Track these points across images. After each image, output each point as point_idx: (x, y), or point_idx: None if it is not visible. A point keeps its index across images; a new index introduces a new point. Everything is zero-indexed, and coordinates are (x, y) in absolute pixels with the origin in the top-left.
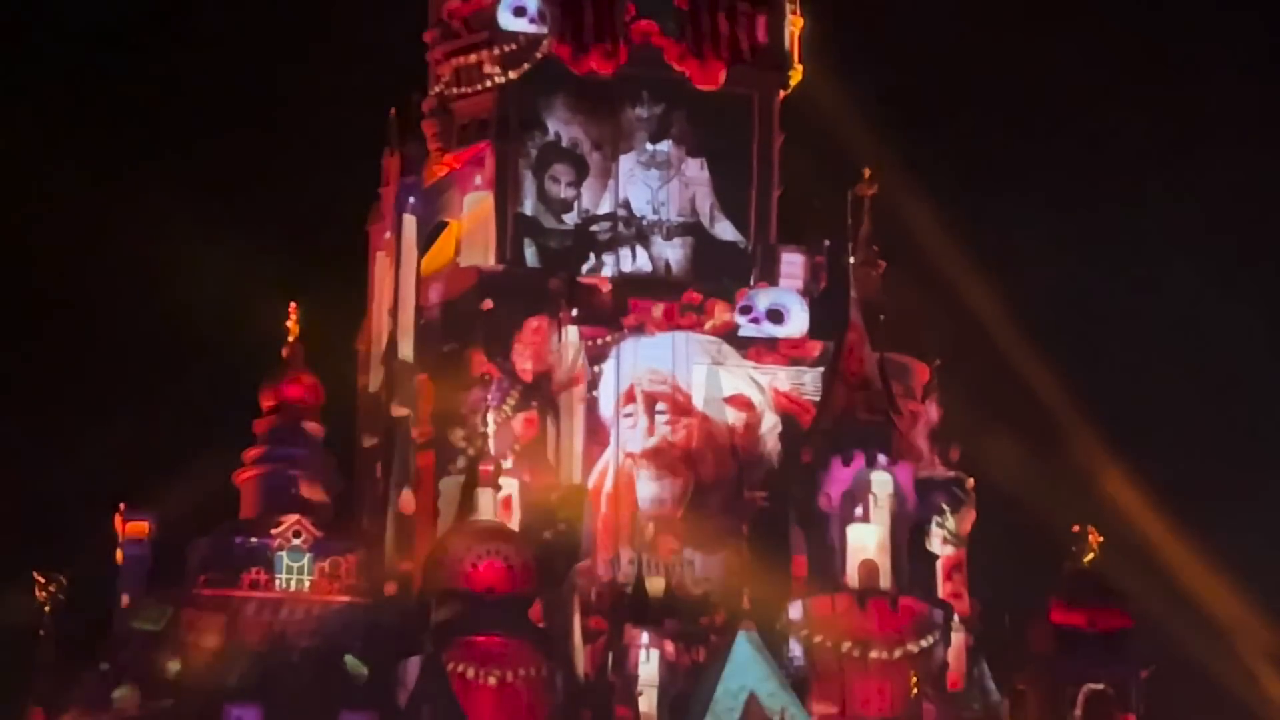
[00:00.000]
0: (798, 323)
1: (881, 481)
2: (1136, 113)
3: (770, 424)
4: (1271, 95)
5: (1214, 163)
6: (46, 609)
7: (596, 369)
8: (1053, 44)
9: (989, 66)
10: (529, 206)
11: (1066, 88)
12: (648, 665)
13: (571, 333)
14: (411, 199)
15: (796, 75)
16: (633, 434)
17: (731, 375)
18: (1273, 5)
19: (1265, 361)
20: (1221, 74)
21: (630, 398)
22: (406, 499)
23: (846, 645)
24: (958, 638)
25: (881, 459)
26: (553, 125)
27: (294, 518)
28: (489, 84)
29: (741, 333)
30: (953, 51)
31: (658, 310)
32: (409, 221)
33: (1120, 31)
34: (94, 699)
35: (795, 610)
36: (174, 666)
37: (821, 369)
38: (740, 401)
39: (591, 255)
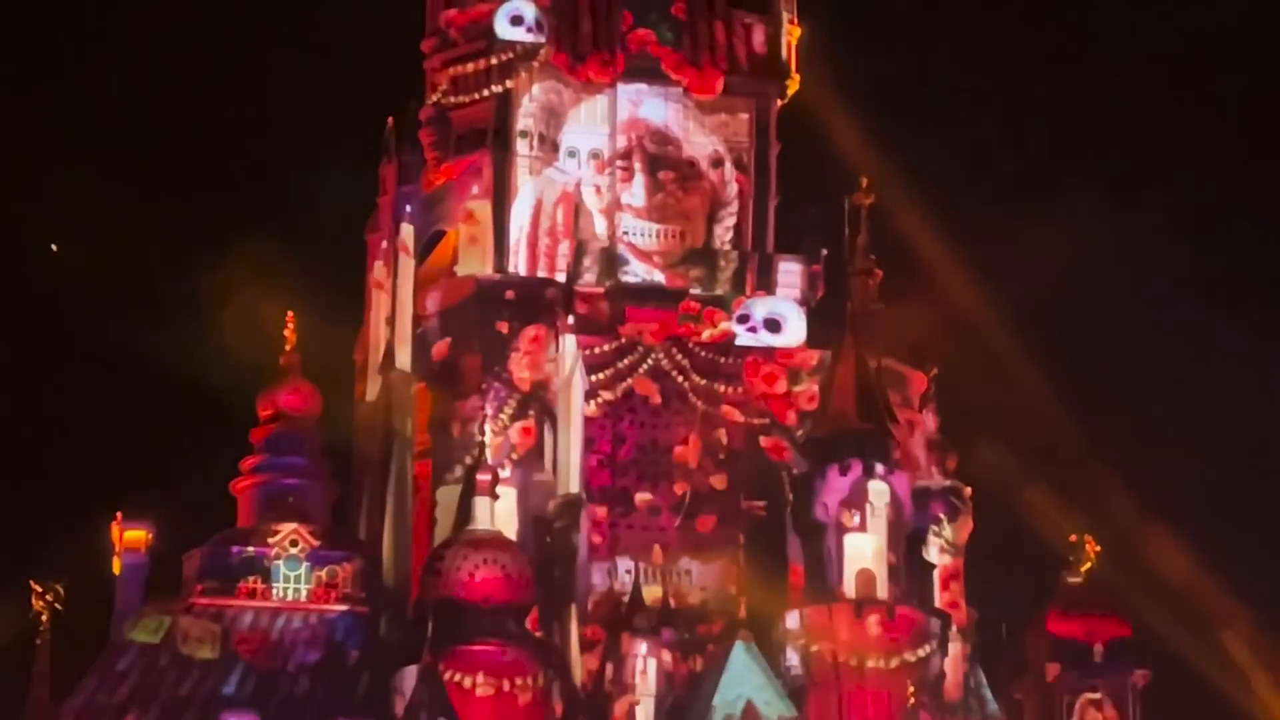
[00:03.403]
0: (795, 332)
1: (879, 491)
2: (1133, 117)
3: None
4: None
5: (1208, 162)
6: (43, 618)
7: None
8: (1050, 50)
9: (986, 75)
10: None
11: (1063, 95)
12: (645, 675)
13: (569, 342)
14: (409, 208)
15: (794, 84)
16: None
17: None
18: None
19: (1261, 366)
20: (1211, 81)
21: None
22: None
23: (844, 654)
24: (955, 647)
25: (879, 468)
26: (550, 134)
27: (291, 527)
28: (486, 93)
29: (739, 342)
30: (949, 60)
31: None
32: (406, 230)
33: (1117, 40)
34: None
35: (792, 620)
36: None
37: (819, 378)
38: None
39: (588, 259)
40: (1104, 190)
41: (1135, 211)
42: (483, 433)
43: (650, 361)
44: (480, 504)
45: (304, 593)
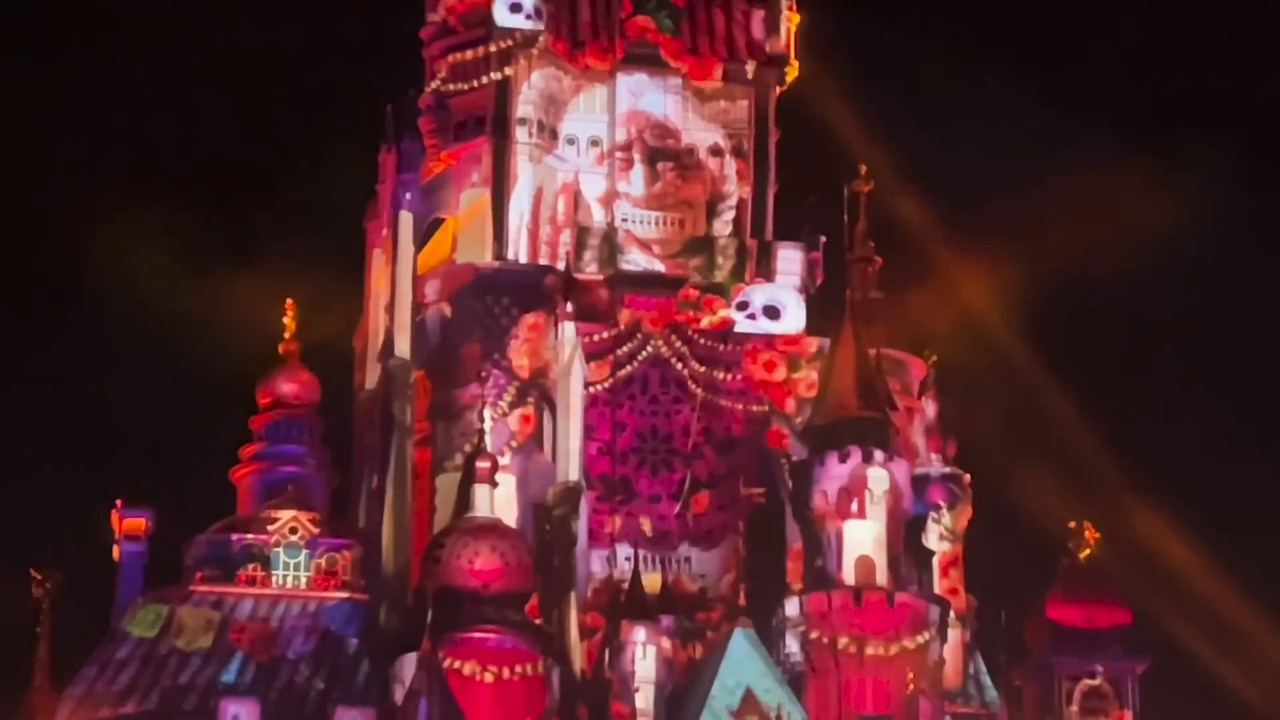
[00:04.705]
0: (794, 319)
1: (878, 478)
2: (1135, 105)
3: None
4: None
5: (1205, 153)
6: (43, 606)
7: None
8: (1049, 40)
9: (986, 61)
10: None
11: (1064, 82)
12: (644, 662)
13: (568, 329)
14: (408, 195)
15: (793, 71)
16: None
17: None
18: None
19: (1260, 351)
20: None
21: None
22: None
23: (843, 641)
24: (954, 634)
25: (878, 455)
26: (549, 121)
27: (291, 515)
28: (485, 80)
29: (738, 328)
30: (949, 46)
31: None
32: (405, 218)
33: (1114, 29)
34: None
35: (791, 607)
36: None
37: (818, 365)
38: None
39: (587, 251)
40: (1102, 175)
41: (1135, 196)
42: (482, 420)
43: (649, 349)
44: (480, 491)
45: (303, 581)
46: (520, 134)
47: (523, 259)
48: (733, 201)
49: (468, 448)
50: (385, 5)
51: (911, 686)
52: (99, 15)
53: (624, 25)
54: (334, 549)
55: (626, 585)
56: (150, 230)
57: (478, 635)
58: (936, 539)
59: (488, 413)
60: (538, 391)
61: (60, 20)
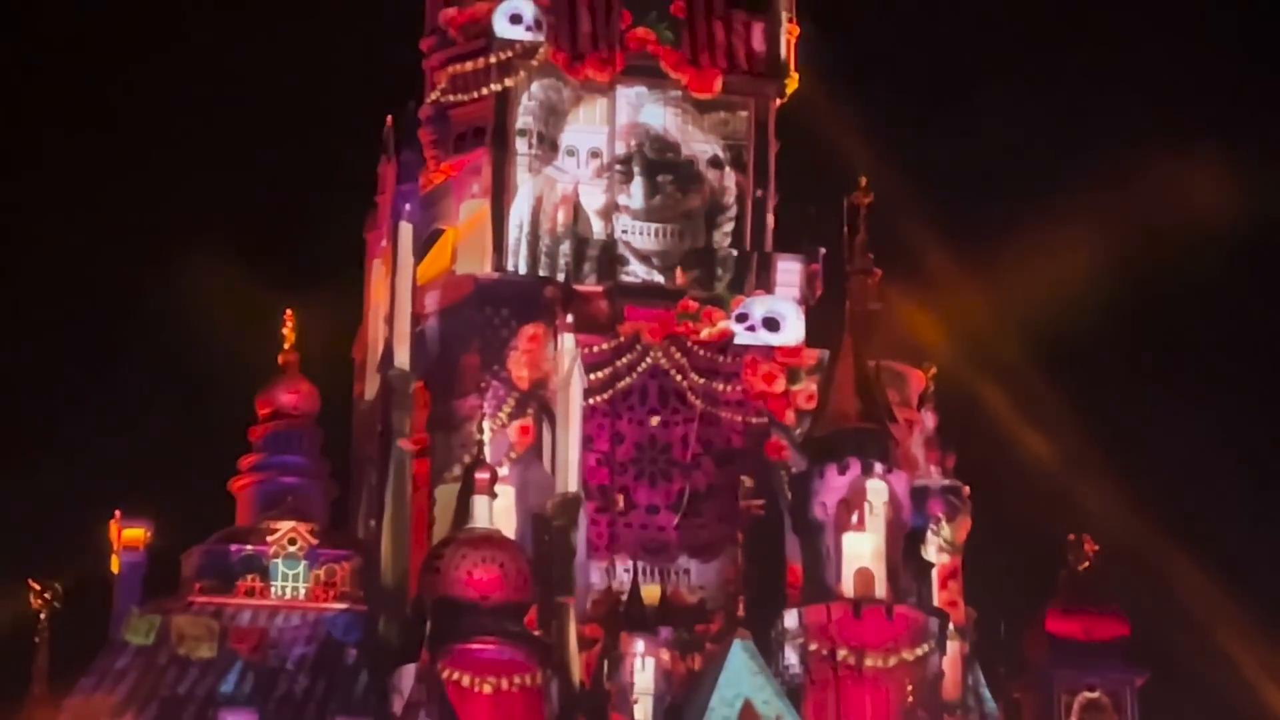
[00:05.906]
0: (794, 331)
1: (877, 490)
2: (1133, 116)
3: None
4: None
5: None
6: (42, 617)
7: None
8: (1048, 50)
9: (985, 74)
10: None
11: (1063, 94)
12: (643, 673)
13: (567, 340)
14: (408, 206)
15: (793, 83)
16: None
17: None
18: None
19: (1261, 363)
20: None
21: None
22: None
23: (842, 653)
24: (953, 646)
25: (877, 467)
26: (549, 133)
27: (290, 525)
28: (485, 91)
29: (737, 340)
30: (949, 59)
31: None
32: (405, 229)
33: (1116, 42)
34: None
35: (790, 619)
36: None
37: (817, 377)
38: None
39: (587, 262)
40: (1103, 187)
41: (1134, 207)
42: (481, 431)
43: (649, 360)
44: (479, 502)
45: (302, 591)
46: (520, 145)
47: (522, 270)
48: (732, 213)
49: (467, 459)
50: (385, 16)
51: (910, 698)
52: (98, 19)
53: (624, 37)
54: (333, 560)
55: (625, 597)
56: (149, 241)
57: (476, 646)
58: (935, 551)
59: (487, 424)
60: (537, 403)
61: (58, 28)
